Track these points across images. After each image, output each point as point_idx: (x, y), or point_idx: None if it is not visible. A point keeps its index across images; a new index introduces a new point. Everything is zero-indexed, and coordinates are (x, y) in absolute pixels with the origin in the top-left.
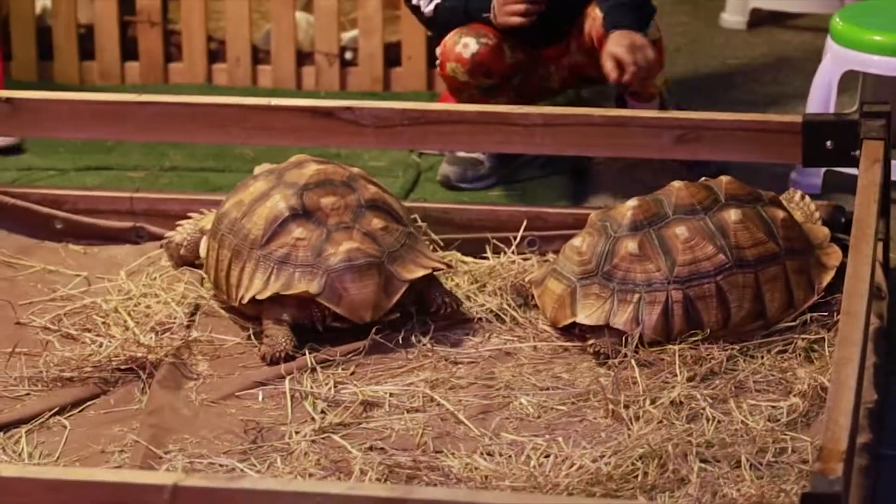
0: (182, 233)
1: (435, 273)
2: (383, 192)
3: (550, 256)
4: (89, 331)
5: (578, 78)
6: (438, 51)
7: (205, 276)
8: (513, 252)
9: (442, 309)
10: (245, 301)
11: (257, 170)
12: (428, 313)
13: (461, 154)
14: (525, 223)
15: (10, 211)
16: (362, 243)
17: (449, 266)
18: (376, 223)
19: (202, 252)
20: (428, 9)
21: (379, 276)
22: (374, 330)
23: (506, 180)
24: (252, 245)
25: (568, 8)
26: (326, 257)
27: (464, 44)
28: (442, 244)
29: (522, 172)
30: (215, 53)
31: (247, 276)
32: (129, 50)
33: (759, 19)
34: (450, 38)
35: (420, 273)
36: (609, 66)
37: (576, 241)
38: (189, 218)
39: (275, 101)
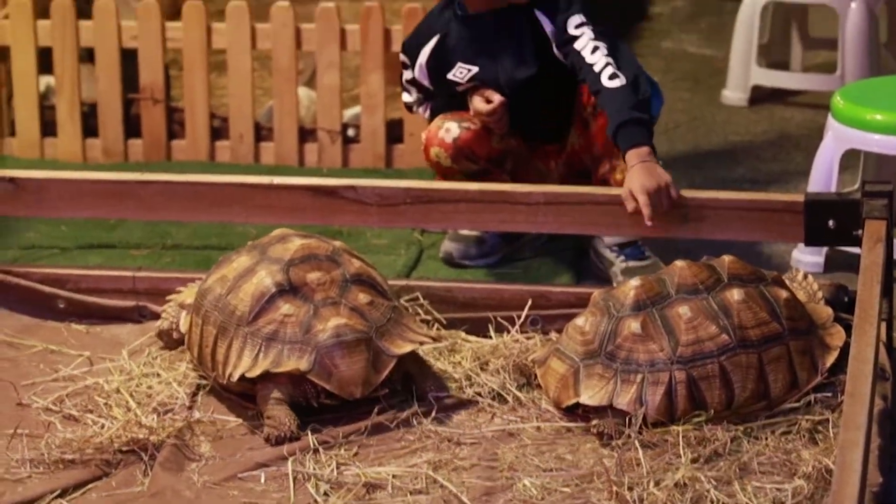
0: (167, 318)
1: (425, 357)
2: (367, 265)
3: (553, 335)
4: (91, 412)
5: (578, 173)
6: (423, 136)
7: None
8: (516, 331)
9: (427, 392)
10: (234, 379)
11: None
12: (413, 396)
13: (464, 231)
14: (529, 302)
15: (13, 290)
16: (350, 319)
17: (435, 340)
18: (362, 298)
19: (183, 327)
20: (424, 114)
21: (368, 351)
22: (375, 410)
23: (509, 258)
24: (239, 322)
25: (563, 111)
26: (315, 333)
27: (446, 128)
28: (445, 323)
29: (526, 250)
30: (218, 130)
31: (234, 354)
32: (132, 127)
33: (761, 96)
34: (434, 122)
35: (408, 348)
36: (629, 203)
37: (579, 321)
38: (169, 301)
39: (277, 180)
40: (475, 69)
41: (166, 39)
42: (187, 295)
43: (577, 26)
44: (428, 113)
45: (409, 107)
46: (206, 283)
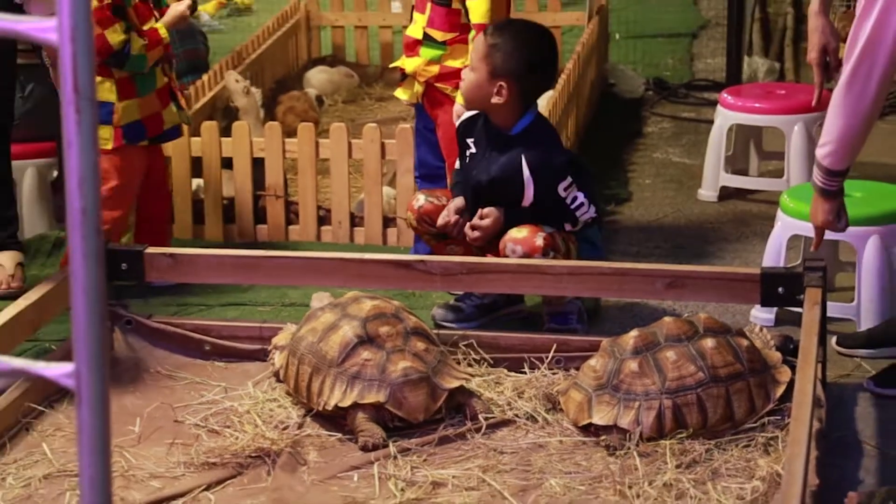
0: (275, 363)
1: (467, 385)
2: (420, 321)
3: (573, 372)
4: (228, 427)
5: None
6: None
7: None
8: (545, 368)
9: (478, 413)
10: (329, 407)
11: (314, 297)
12: (467, 417)
13: (450, 302)
14: (554, 347)
15: (171, 336)
16: (413, 362)
17: (472, 376)
18: (420, 346)
19: (278, 363)
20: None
21: (427, 386)
22: (441, 427)
23: (486, 324)
24: (329, 364)
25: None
26: (389, 373)
27: (416, 198)
28: (491, 362)
29: (501, 319)
30: (323, 218)
31: (327, 388)
32: (259, 216)
33: (728, 194)
34: (415, 194)
35: (456, 383)
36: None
37: (592, 362)
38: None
39: (367, 256)
40: (467, 156)
41: (285, 151)
42: (280, 338)
43: (566, 188)
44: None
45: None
46: (300, 333)
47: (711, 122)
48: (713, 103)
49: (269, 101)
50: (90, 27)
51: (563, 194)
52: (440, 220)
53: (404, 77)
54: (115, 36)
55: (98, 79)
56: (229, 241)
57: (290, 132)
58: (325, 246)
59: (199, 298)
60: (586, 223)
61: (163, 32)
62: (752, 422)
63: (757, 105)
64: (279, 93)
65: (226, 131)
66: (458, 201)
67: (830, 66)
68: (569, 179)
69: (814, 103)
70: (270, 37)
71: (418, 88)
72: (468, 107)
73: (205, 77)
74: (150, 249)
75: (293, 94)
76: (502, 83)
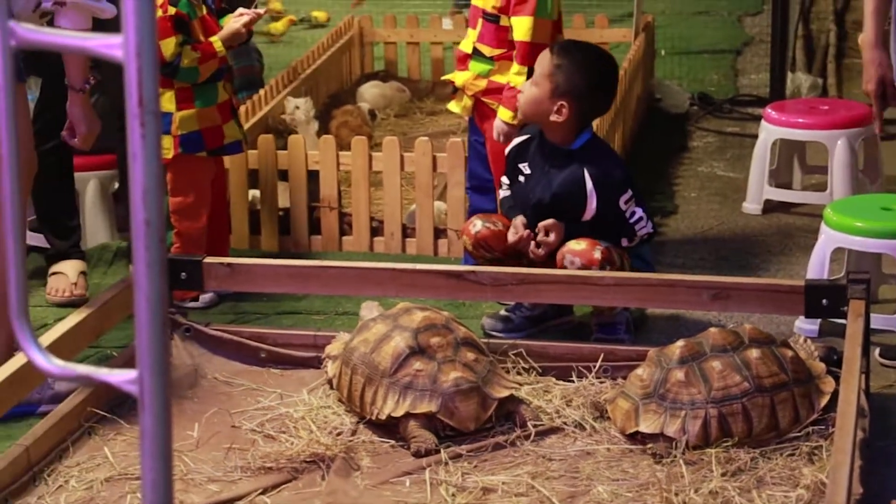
0: (329, 372)
1: (517, 393)
2: (470, 331)
3: (620, 381)
4: (284, 432)
5: None
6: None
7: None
8: (592, 377)
9: (527, 420)
10: (382, 417)
11: (364, 306)
12: (517, 424)
13: (500, 312)
14: (601, 356)
15: (228, 344)
16: (464, 372)
17: (521, 385)
18: (470, 356)
19: (331, 372)
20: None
21: (478, 396)
22: (492, 434)
23: (534, 334)
24: (382, 374)
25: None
26: (440, 384)
27: (473, 223)
28: (541, 370)
29: (549, 331)
30: (376, 229)
31: (380, 398)
32: (314, 227)
33: (772, 207)
34: (470, 218)
35: (506, 392)
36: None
37: (639, 371)
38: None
39: (419, 266)
40: (521, 179)
41: (339, 164)
42: (333, 348)
43: (627, 202)
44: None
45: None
46: (352, 343)
47: (755, 136)
48: (757, 118)
49: (322, 114)
50: (155, 43)
51: (623, 208)
52: (511, 238)
53: (455, 90)
54: (168, 48)
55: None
56: (284, 252)
57: (343, 145)
58: (377, 256)
59: (256, 307)
60: (643, 238)
61: (217, 46)
62: (796, 431)
63: (800, 120)
64: (333, 107)
65: (281, 144)
66: (522, 219)
67: (888, 96)
68: (629, 193)
69: (877, 131)
70: (325, 53)
71: (467, 102)
72: (525, 120)
73: (260, 92)
74: (209, 259)
75: (347, 109)
76: (563, 102)
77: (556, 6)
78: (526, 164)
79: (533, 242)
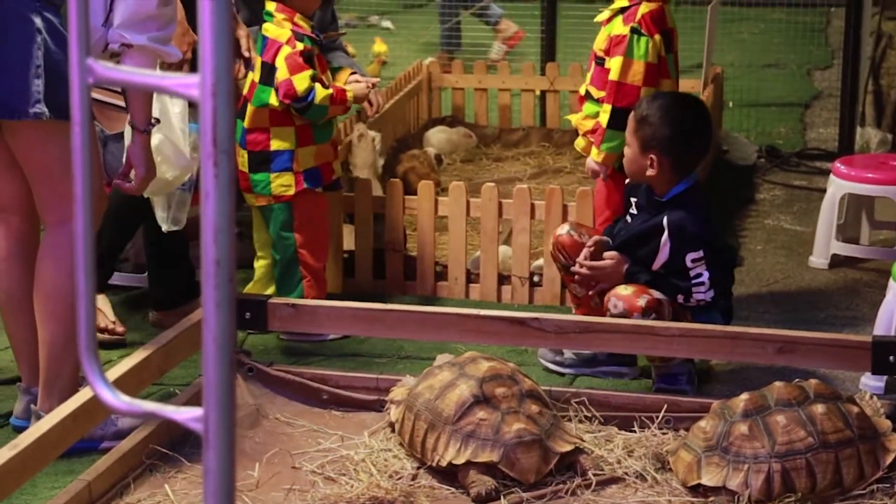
0: (392, 416)
1: (589, 445)
2: (535, 383)
3: (682, 433)
4: (344, 475)
5: None
6: None
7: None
8: (655, 428)
9: (588, 470)
10: (443, 464)
11: (439, 357)
12: (577, 473)
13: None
14: (664, 407)
15: (291, 385)
16: (527, 424)
17: (583, 440)
18: (534, 408)
19: (394, 417)
20: None
21: (540, 449)
22: (554, 482)
23: (582, 374)
24: (445, 421)
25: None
26: (503, 434)
27: (562, 226)
28: (602, 420)
29: (598, 374)
30: (440, 274)
31: (442, 445)
32: (378, 270)
33: (838, 262)
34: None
35: (568, 447)
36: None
37: (702, 423)
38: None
39: (483, 312)
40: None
41: (406, 208)
42: (397, 393)
43: (695, 260)
44: None
45: None
46: (417, 389)
47: (823, 190)
48: (825, 172)
49: (390, 158)
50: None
51: (689, 265)
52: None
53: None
54: (301, 83)
55: (278, 129)
56: (348, 293)
57: (410, 189)
58: (440, 301)
59: (319, 349)
60: (699, 303)
61: (349, 96)
62: (860, 489)
63: (869, 175)
64: (400, 150)
65: (348, 186)
66: (603, 238)
67: None
68: (700, 252)
69: None
70: (393, 96)
71: (580, 141)
72: (631, 179)
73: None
74: (273, 299)
75: (414, 153)
76: (653, 156)
77: (655, 50)
78: (636, 200)
79: (580, 259)
